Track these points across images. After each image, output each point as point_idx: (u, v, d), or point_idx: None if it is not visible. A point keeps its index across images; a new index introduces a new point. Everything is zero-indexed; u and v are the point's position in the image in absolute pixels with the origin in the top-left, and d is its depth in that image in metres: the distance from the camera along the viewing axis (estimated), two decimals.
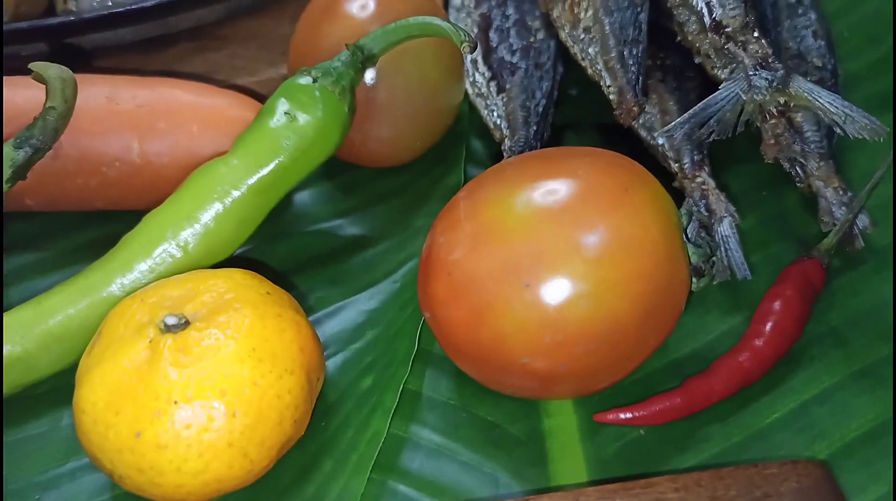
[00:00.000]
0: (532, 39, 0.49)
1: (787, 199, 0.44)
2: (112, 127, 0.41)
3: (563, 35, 0.48)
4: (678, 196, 0.43)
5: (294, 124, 0.38)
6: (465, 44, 0.37)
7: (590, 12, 0.46)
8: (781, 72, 0.35)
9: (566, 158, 0.32)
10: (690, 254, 0.33)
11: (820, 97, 0.35)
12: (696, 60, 0.45)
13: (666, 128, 0.37)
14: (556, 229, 0.30)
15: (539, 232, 0.30)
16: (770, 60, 0.36)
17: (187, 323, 0.31)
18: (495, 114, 0.47)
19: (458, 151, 0.48)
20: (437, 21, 0.38)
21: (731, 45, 0.38)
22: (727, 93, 0.36)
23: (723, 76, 0.44)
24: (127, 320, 0.32)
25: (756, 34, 0.37)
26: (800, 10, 0.50)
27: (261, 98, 0.51)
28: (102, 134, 0.41)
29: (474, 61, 0.50)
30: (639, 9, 0.46)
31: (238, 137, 0.39)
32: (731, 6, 0.38)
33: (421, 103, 0.43)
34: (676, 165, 0.43)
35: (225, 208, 0.37)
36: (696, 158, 0.42)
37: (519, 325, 0.30)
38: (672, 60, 0.48)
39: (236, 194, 0.37)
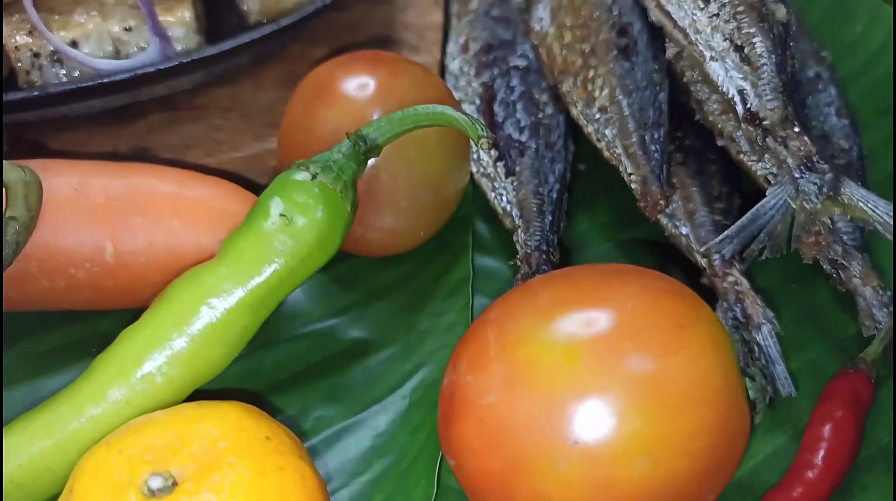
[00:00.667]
0: (541, 115, 0.46)
1: (818, 292, 0.41)
2: (81, 224, 0.37)
3: (574, 112, 0.45)
4: (705, 294, 0.40)
5: (291, 228, 0.34)
6: (483, 139, 0.33)
7: (605, 91, 0.42)
8: (830, 174, 0.32)
9: (610, 285, 0.28)
10: (748, 390, 0.30)
11: (875, 207, 0.32)
12: (720, 143, 0.43)
13: (713, 243, 0.33)
14: (604, 374, 0.26)
15: (584, 378, 0.26)
16: (815, 160, 0.33)
17: (175, 484, 0.27)
18: (504, 199, 0.43)
19: (464, 238, 0.44)
20: (449, 112, 0.35)
21: (770, 141, 0.35)
22: (775, 200, 0.32)
23: (749, 162, 0.41)
24: (102, 477, 0.27)
25: (797, 129, 0.34)
26: (820, 86, 0.48)
27: (248, 182, 0.47)
28: (70, 231, 0.37)
29: (472, 116, 0.47)
30: (658, 87, 0.43)
31: (226, 239, 0.35)
32: (769, 97, 0.35)
33: (426, 193, 0.40)
34: (704, 260, 0.40)
35: (212, 327, 0.33)
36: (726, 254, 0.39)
37: (563, 485, 0.26)
38: (691, 141, 0.45)
39: (225, 309, 0.33)
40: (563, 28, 0.47)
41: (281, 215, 0.34)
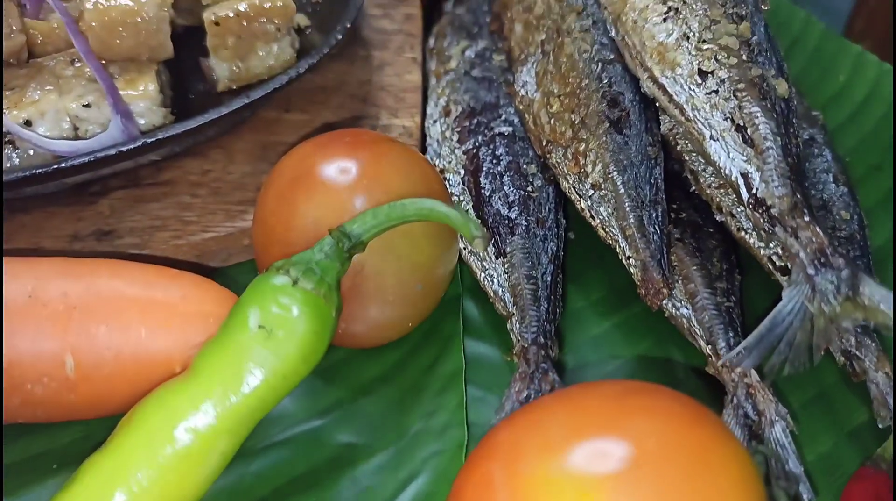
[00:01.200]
0: (529, 189, 0.44)
1: (825, 375, 0.40)
2: (38, 334, 0.33)
3: (564, 185, 0.43)
4: (709, 383, 0.38)
5: (271, 341, 0.31)
6: (478, 240, 0.31)
7: (598, 166, 0.40)
8: (846, 271, 0.31)
9: (625, 412, 0.26)
10: None
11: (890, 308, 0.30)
12: (718, 218, 0.41)
13: (730, 357, 0.31)
14: None
15: None
16: (829, 253, 0.31)
17: None
18: (495, 281, 0.41)
19: (454, 324, 0.41)
20: (441, 208, 0.32)
21: (779, 231, 0.33)
22: (791, 304, 0.30)
23: (751, 241, 0.39)
24: None
25: (808, 218, 0.33)
26: (815, 150, 0.46)
27: (222, 275, 0.44)
28: (26, 343, 0.33)
29: (465, 212, 0.44)
30: (653, 162, 0.41)
31: (200, 352, 0.32)
32: (776, 183, 0.33)
33: (414, 284, 0.37)
34: (709, 347, 0.38)
35: (186, 455, 0.30)
36: (731, 340, 0.37)
37: None
38: (688, 214, 0.43)
39: (199, 435, 0.30)
40: (549, 96, 0.45)
41: (260, 326, 0.31)
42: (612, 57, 0.44)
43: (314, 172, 0.36)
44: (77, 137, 0.43)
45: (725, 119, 0.36)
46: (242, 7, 0.46)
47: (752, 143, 0.35)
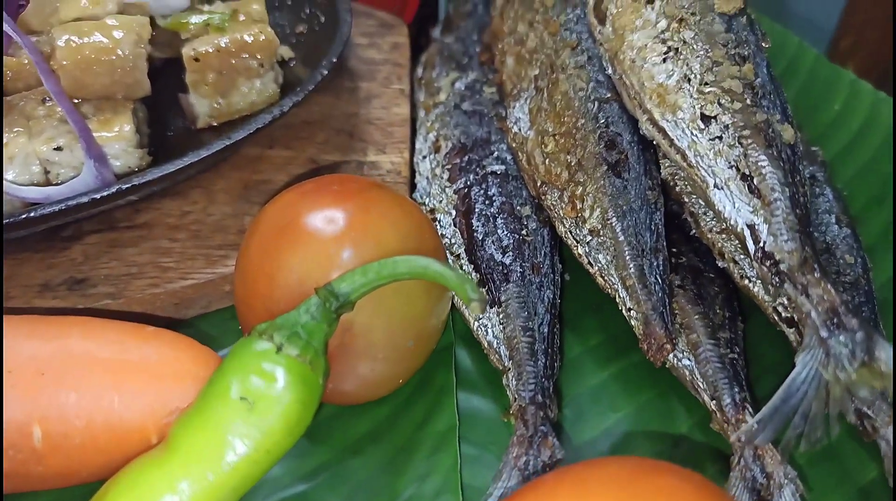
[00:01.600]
0: (524, 232, 0.42)
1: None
2: (4, 404, 0.31)
3: (560, 229, 0.41)
4: (714, 438, 0.37)
5: (254, 414, 0.29)
6: (475, 303, 0.29)
7: (596, 212, 0.39)
8: (860, 332, 0.29)
9: (633, 496, 0.24)
10: None
11: None
12: (720, 264, 0.39)
13: (744, 432, 0.30)
14: None
15: None
16: (842, 312, 0.30)
17: None
18: (490, 332, 0.39)
19: (446, 376, 0.39)
20: (434, 266, 0.30)
21: (788, 288, 0.31)
22: (805, 372, 0.29)
23: (756, 290, 0.38)
24: None
25: (818, 274, 0.31)
26: (816, 189, 0.45)
27: (202, 322, 0.42)
28: None
29: (456, 257, 0.42)
30: (653, 207, 0.39)
31: (177, 423, 0.30)
32: (785, 237, 0.32)
33: (405, 340, 0.35)
34: (714, 403, 0.36)
35: None
36: (737, 396, 0.35)
37: None
38: (688, 258, 0.41)
39: None
40: (544, 134, 0.43)
41: (241, 397, 0.29)
42: (608, 95, 0.42)
43: (299, 223, 0.34)
44: (48, 182, 0.41)
45: (730, 167, 0.34)
46: (223, 42, 0.44)
47: (759, 193, 0.33)
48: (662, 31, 0.39)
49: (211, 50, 0.44)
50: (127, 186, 0.38)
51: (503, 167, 0.45)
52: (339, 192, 0.36)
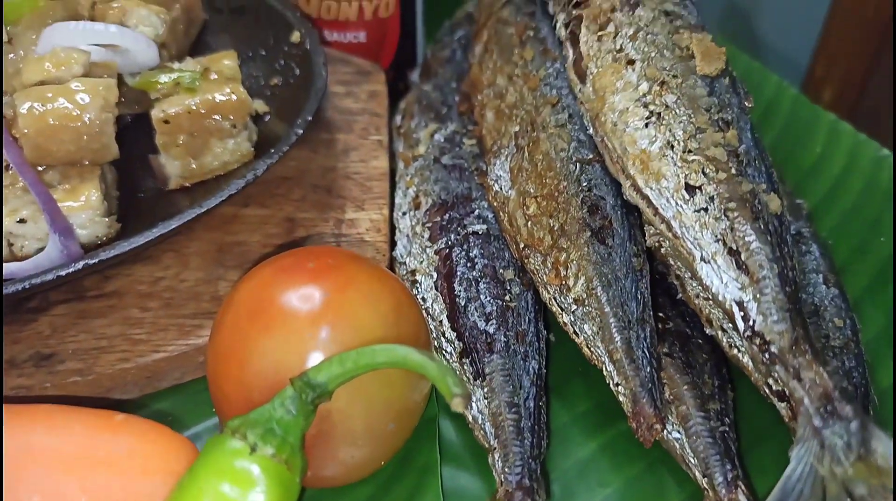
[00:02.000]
0: (507, 298, 0.41)
1: None
2: None
3: (544, 295, 0.40)
4: None
5: None
6: (457, 398, 0.28)
7: (581, 281, 0.38)
8: (855, 421, 0.28)
9: None
10: None
11: None
12: (708, 331, 0.38)
13: None
14: None
15: None
16: (835, 397, 0.29)
17: None
18: (474, 406, 0.38)
19: (430, 453, 0.38)
20: (415, 356, 0.29)
21: (779, 370, 0.30)
22: (801, 468, 0.28)
23: (746, 363, 0.37)
24: None
25: (810, 355, 0.30)
26: (802, 246, 0.44)
27: (175, 393, 0.40)
28: None
29: (439, 323, 0.41)
30: (639, 274, 0.38)
31: None
32: (775, 317, 0.31)
33: (385, 424, 0.34)
34: (705, 480, 0.35)
35: None
36: (729, 474, 0.34)
37: None
38: (675, 323, 0.40)
39: None
40: (525, 196, 0.42)
41: None
42: (590, 156, 0.41)
43: (273, 305, 0.33)
44: (12, 255, 0.39)
45: (717, 241, 0.34)
46: (194, 104, 0.43)
47: (747, 269, 0.33)
48: (644, 95, 0.38)
49: (181, 111, 0.42)
50: (94, 261, 0.37)
51: (485, 227, 0.44)
52: (314, 270, 0.34)
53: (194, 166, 0.45)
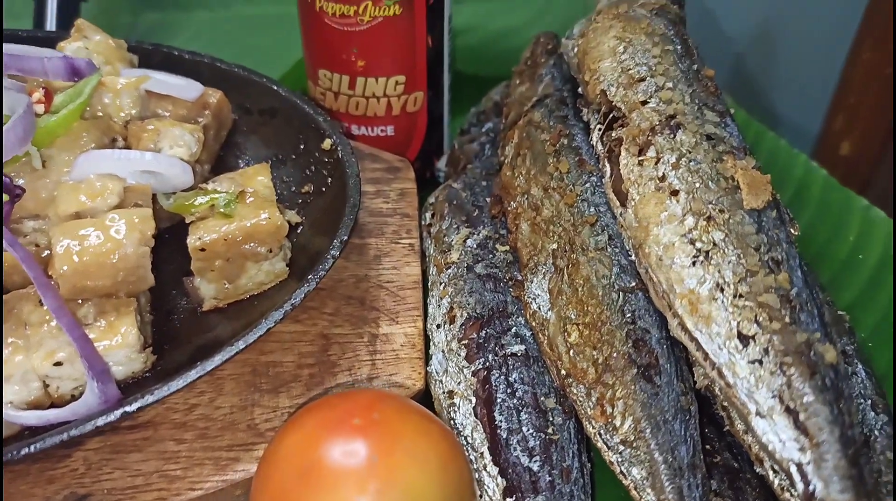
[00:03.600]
0: (550, 430, 0.40)
1: None
2: None
3: (589, 430, 0.39)
4: None
5: None
6: None
7: (629, 421, 0.37)
8: None
9: None
10: None
11: None
12: (758, 470, 0.37)
13: None
14: None
15: None
16: None
17: None
18: None
19: None
20: None
21: None
22: None
23: None
24: None
25: None
26: (848, 368, 0.43)
27: None
28: None
29: (480, 455, 0.40)
30: (688, 413, 0.37)
31: None
32: (837, 486, 0.30)
33: None
34: None
35: None
36: None
37: None
38: (722, 458, 0.39)
39: None
40: (566, 321, 0.41)
41: None
42: (633, 284, 0.41)
43: (321, 464, 0.33)
44: (48, 396, 0.38)
45: (773, 396, 0.33)
46: (230, 230, 0.42)
47: (806, 431, 0.32)
48: (690, 230, 0.38)
49: (217, 238, 0.42)
50: (133, 409, 0.36)
51: (523, 348, 0.44)
52: (361, 427, 0.34)
53: (229, 288, 0.44)
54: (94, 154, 0.42)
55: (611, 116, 0.45)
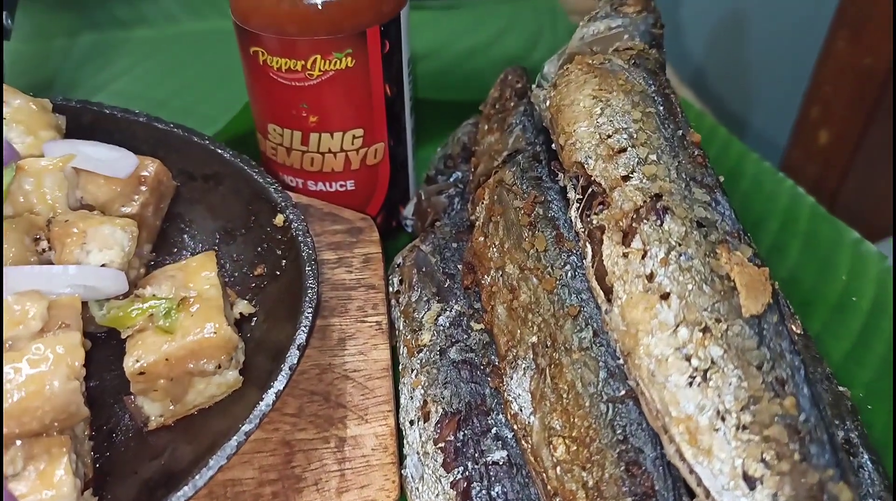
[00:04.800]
0: None
1: None
2: None
3: None
4: None
5: None
6: None
7: None
8: None
9: None
10: None
11: None
12: None
13: None
14: None
15: None
16: None
17: None
18: None
19: None
20: None
21: None
22: None
23: None
24: None
25: None
26: (854, 460, 0.40)
27: None
28: None
29: None
30: None
31: None
32: None
33: None
34: None
35: None
36: None
37: None
38: None
39: None
40: (551, 432, 0.38)
41: None
42: (622, 392, 0.37)
43: None
44: None
45: None
46: (171, 350, 0.37)
47: None
48: (685, 344, 0.34)
49: (157, 359, 0.37)
50: None
51: (505, 454, 0.40)
52: None
53: (175, 407, 0.40)
54: (10, 272, 0.37)
55: (590, 190, 0.41)
